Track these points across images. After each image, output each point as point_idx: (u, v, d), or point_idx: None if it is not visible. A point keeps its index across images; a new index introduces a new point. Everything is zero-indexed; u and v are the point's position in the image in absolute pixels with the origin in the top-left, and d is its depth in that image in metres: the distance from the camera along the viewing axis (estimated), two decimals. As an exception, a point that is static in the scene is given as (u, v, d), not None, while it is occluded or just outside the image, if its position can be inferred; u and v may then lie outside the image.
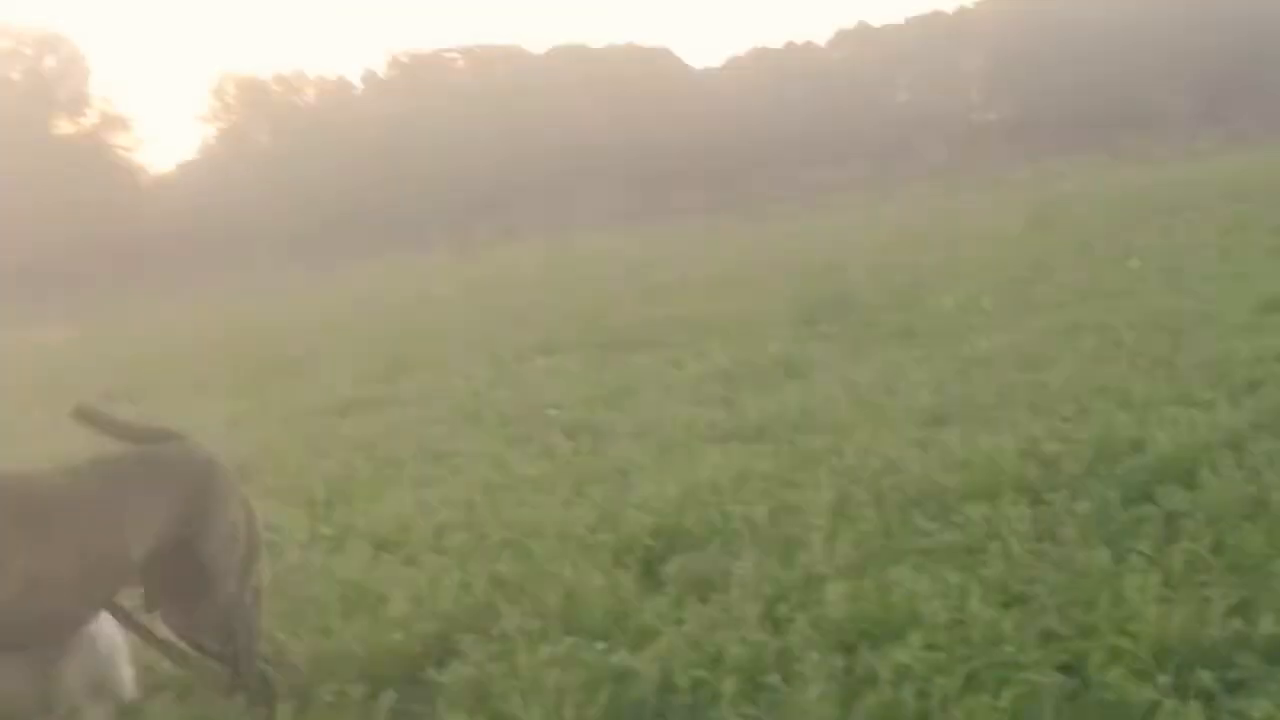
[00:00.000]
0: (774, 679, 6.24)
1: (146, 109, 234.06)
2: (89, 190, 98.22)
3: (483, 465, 12.17)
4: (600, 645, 6.88)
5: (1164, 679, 5.76)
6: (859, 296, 20.60)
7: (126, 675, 7.00)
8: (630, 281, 30.95)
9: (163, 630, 6.81)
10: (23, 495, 6.17)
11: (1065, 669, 6.01)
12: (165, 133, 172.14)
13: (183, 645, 6.84)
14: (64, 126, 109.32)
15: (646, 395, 14.89)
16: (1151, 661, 5.93)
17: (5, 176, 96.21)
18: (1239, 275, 18.29)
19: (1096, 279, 19.23)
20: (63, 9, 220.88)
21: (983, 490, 8.74)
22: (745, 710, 5.99)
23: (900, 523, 8.35)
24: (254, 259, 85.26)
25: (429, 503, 10.77)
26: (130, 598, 6.79)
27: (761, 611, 7.08)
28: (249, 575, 6.88)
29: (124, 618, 6.87)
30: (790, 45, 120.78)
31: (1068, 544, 7.46)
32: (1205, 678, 5.74)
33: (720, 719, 5.93)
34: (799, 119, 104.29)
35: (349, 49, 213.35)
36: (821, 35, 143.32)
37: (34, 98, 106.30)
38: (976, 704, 5.76)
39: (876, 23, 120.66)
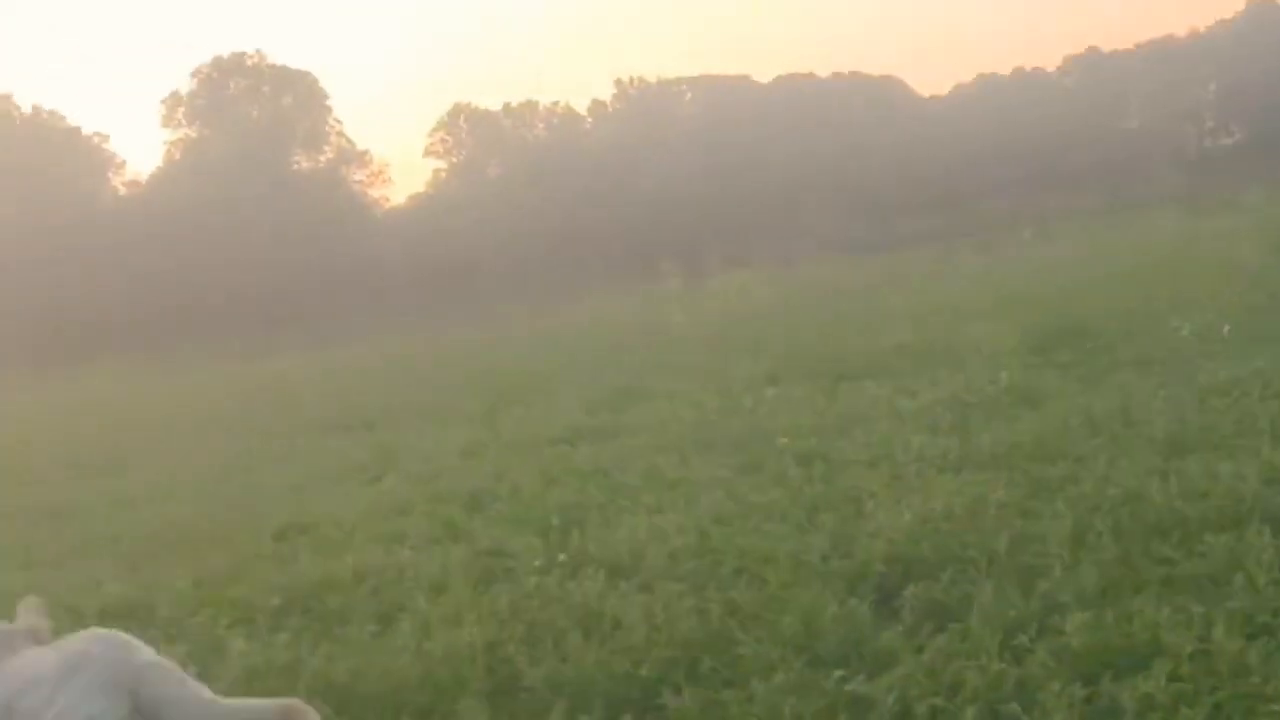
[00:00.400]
0: (1014, 709, 6.19)
1: (380, 141, 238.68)
2: (325, 225, 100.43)
3: (714, 493, 12.18)
4: (837, 673, 6.87)
5: None
6: (1092, 324, 20.30)
7: None
8: (860, 310, 30.84)
9: None
10: None
11: (1314, 701, 5.89)
12: (398, 165, 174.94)
13: None
14: (302, 162, 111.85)
15: (878, 424, 14.79)
16: (1405, 694, 5.79)
17: (245, 212, 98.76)
18: None
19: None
20: (301, 46, 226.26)
21: (1225, 520, 8.57)
22: (985, 740, 5.95)
23: (1141, 552, 8.22)
24: (485, 289, 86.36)
25: (662, 530, 10.82)
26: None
27: (1000, 641, 7.02)
28: None
29: None
30: (1018, 71, 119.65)
31: (1314, 574, 7.30)
32: None
33: (960, 748, 5.89)
34: (1027, 146, 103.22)
35: (574, 76, 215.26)
36: (1050, 61, 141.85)
37: (273, 134, 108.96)
38: (1223, 736, 5.66)
39: (1106, 48, 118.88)
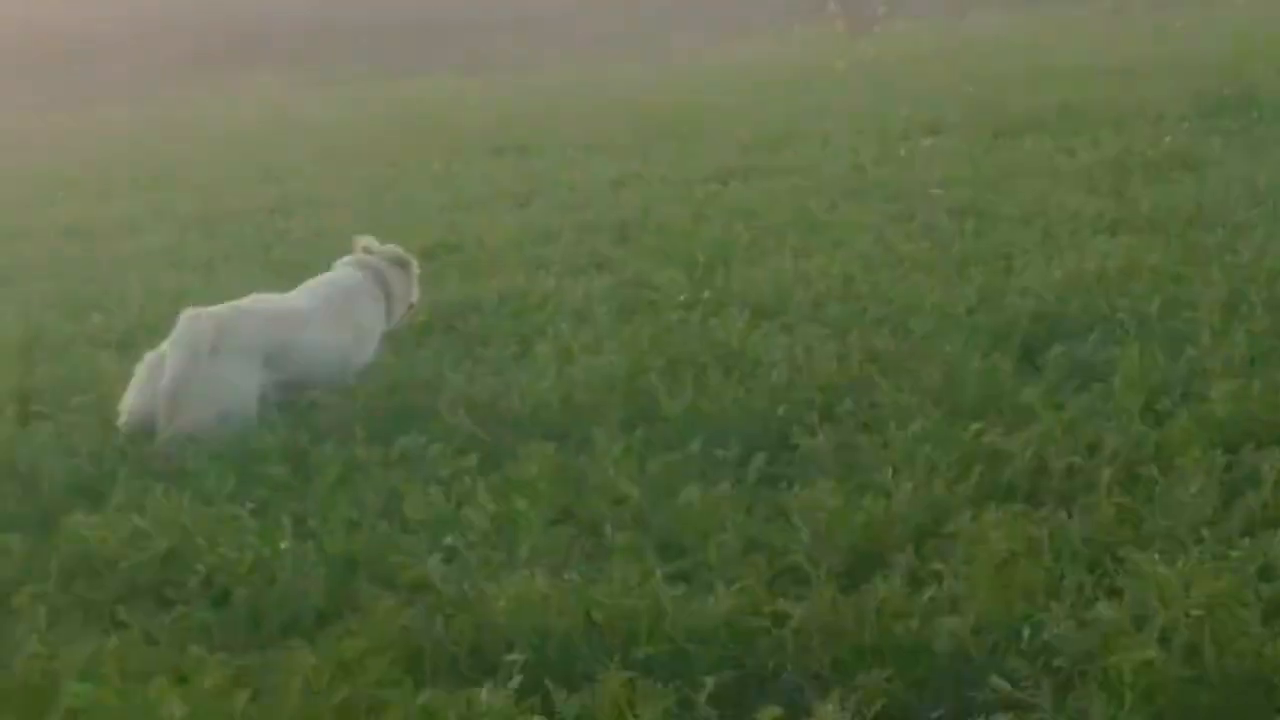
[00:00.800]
0: (1151, 471, 6.15)
1: None
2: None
3: (863, 240, 12.11)
4: (975, 425, 6.86)
5: None
6: (1265, 91, 19.73)
7: None
8: (1025, 65, 30.16)
9: None
10: None
11: None
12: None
13: None
14: None
15: (1034, 181, 14.56)
16: None
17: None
18: None
19: None
20: None
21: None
22: (1119, 499, 5.91)
23: (1293, 325, 8.09)
24: (649, 20, 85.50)
25: (808, 273, 10.78)
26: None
27: (1143, 403, 6.97)
28: None
29: None
30: None
31: None
32: None
33: (1094, 505, 5.86)
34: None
35: None
36: None
37: None
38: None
39: None
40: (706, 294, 10.39)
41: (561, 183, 18.24)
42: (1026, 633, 4.94)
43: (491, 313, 10.61)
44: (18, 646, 5.17)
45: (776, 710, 4.40)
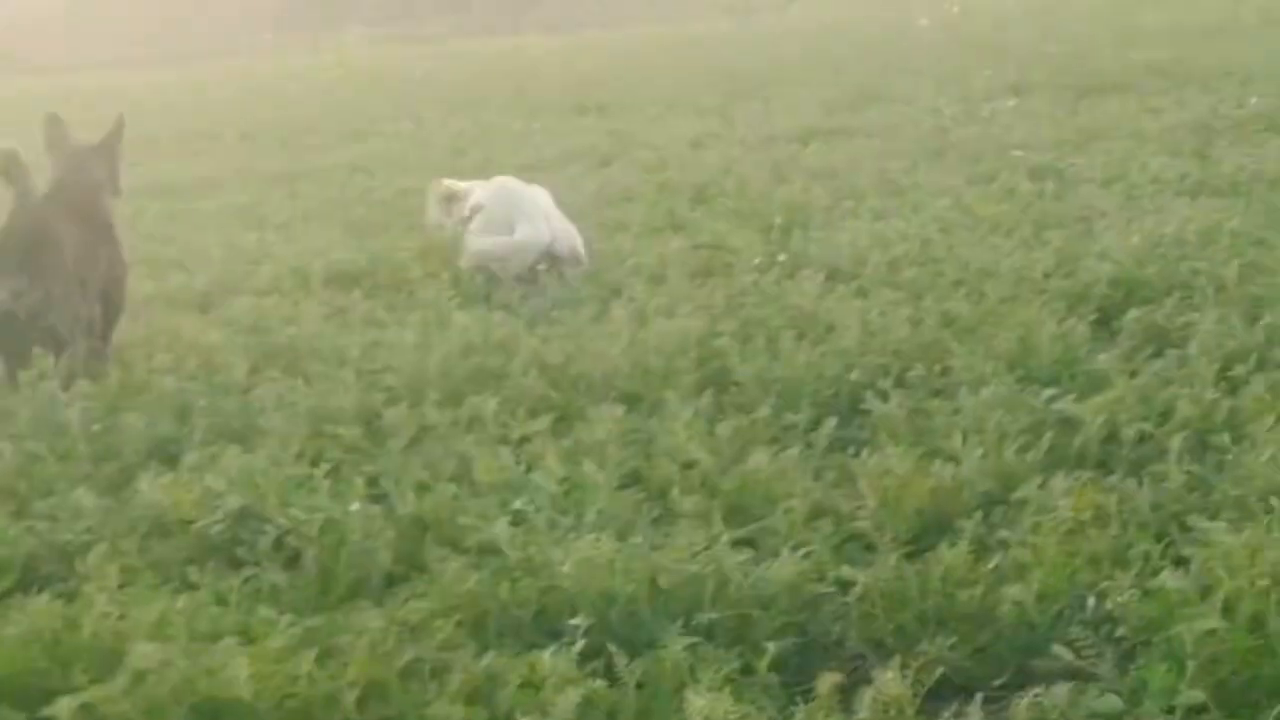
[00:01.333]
0: (1223, 439, 6.10)
1: None
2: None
3: (942, 202, 12.08)
4: (1047, 391, 6.83)
5: None
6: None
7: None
8: (1112, 23, 29.96)
9: None
10: None
11: None
12: None
13: None
14: None
15: (1118, 142, 14.52)
16: None
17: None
18: None
19: None
20: None
21: None
22: (1190, 468, 5.87)
23: (1378, 291, 8.00)
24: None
25: (885, 236, 10.74)
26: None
27: (1217, 370, 6.90)
28: None
29: None
30: None
31: None
32: None
33: (1164, 473, 5.82)
34: None
35: None
36: None
37: None
38: None
39: None
40: (782, 257, 10.38)
41: (642, 142, 18.27)
42: (1091, 601, 4.92)
43: (567, 274, 10.65)
44: (88, 606, 5.23)
45: (837, 677, 4.40)
